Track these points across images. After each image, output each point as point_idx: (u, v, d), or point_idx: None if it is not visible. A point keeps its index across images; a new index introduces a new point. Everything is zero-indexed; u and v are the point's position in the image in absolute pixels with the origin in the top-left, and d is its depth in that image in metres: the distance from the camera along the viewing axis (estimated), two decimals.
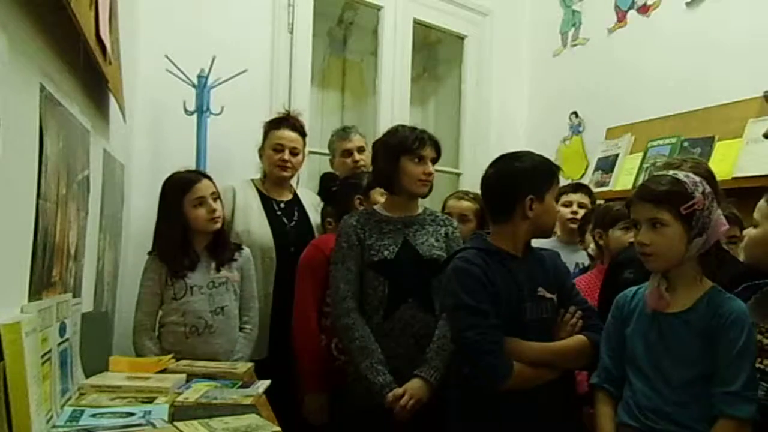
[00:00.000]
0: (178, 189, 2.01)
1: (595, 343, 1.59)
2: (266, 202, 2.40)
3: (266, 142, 2.39)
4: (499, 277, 1.57)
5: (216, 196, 2.05)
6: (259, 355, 2.15)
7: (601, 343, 1.57)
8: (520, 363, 1.53)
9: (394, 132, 1.96)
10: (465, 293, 1.55)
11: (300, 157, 2.43)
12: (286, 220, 2.39)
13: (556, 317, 1.64)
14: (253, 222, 2.31)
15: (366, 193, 2.16)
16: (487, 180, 1.68)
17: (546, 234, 1.71)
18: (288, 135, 2.38)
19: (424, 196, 1.97)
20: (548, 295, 1.62)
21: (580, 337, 1.61)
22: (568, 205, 2.54)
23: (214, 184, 2.07)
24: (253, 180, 2.46)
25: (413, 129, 1.94)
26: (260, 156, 2.43)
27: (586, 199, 2.54)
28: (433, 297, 1.86)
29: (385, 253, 1.87)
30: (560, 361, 1.60)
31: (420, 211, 1.99)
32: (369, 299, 1.87)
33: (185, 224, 2.00)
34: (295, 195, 2.49)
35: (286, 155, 2.36)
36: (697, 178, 1.44)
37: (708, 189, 1.42)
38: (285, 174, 2.41)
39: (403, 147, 1.88)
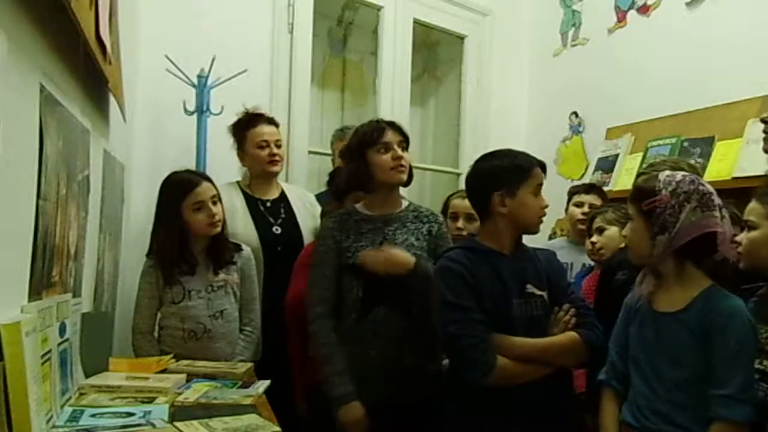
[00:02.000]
0: (177, 192, 1.97)
1: (587, 341, 1.57)
2: (251, 202, 2.38)
3: (247, 141, 2.36)
4: (484, 275, 1.58)
5: (216, 199, 2.02)
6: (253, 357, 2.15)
7: (610, 341, 1.58)
8: (506, 359, 1.53)
9: (354, 132, 1.93)
10: (447, 290, 1.57)
11: (283, 148, 2.44)
12: (272, 220, 2.37)
13: (548, 315, 1.62)
14: (238, 224, 2.28)
15: (341, 199, 2.10)
16: (466, 180, 1.73)
17: (528, 229, 1.67)
18: (268, 129, 2.38)
19: (406, 185, 1.91)
20: (538, 293, 1.61)
21: (570, 334, 1.59)
22: (580, 205, 2.52)
23: (214, 185, 2.04)
24: (238, 182, 2.45)
25: (371, 122, 1.91)
26: (241, 158, 2.41)
27: (598, 201, 2.52)
28: (410, 298, 1.80)
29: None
30: (549, 358, 1.58)
31: (403, 206, 1.92)
32: (345, 301, 1.83)
33: (183, 228, 1.97)
34: (282, 192, 2.47)
35: (274, 149, 2.37)
36: (679, 177, 1.44)
37: (687, 189, 1.41)
38: (277, 168, 2.41)
39: (365, 140, 1.84)
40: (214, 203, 2.00)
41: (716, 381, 1.33)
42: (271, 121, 2.42)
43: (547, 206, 1.66)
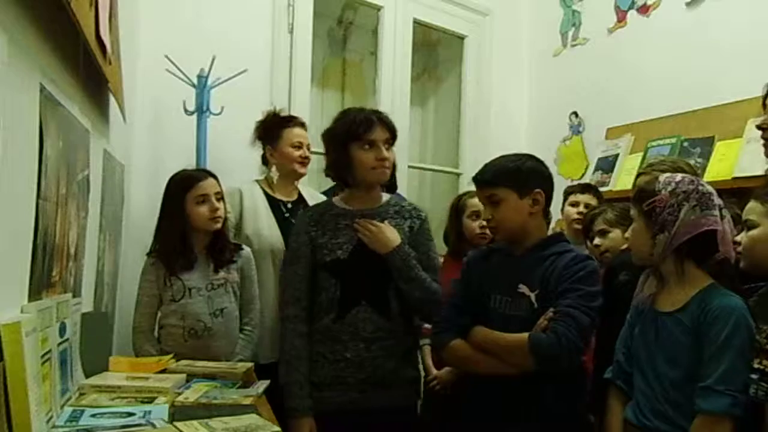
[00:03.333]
0: (182, 186, 2.00)
1: (532, 343, 1.48)
2: (273, 203, 2.37)
3: (282, 139, 2.34)
4: (480, 269, 1.71)
5: (220, 196, 2.03)
6: (275, 357, 2.14)
7: (617, 341, 1.59)
8: (463, 341, 1.61)
9: (342, 117, 1.81)
10: (457, 281, 1.75)
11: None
12: (294, 222, 2.38)
13: (537, 315, 1.56)
14: (262, 224, 2.28)
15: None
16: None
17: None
18: (302, 132, 2.39)
19: (387, 184, 1.84)
20: (527, 293, 1.59)
21: (521, 335, 1.52)
22: (575, 205, 2.53)
23: (219, 184, 2.06)
24: (258, 181, 2.44)
25: (361, 110, 1.80)
26: (269, 156, 2.38)
27: (593, 200, 2.52)
28: (389, 298, 1.76)
29: (338, 252, 1.75)
30: (497, 351, 1.55)
31: (383, 201, 1.84)
32: (321, 300, 1.77)
33: (185, 222, 1.98)
34: (300, 195, 2.47)
35: (306, 151, 2.37)
36: (679, 178, 1.46)
37: (686, 189, 1.42)
38: (305, 171, 2.41)
39: (350, 134, 1.73)
40: (218, 199, 2.02)
41: (701, 375, 1.33)
42: (304, 125, 2.42)
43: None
